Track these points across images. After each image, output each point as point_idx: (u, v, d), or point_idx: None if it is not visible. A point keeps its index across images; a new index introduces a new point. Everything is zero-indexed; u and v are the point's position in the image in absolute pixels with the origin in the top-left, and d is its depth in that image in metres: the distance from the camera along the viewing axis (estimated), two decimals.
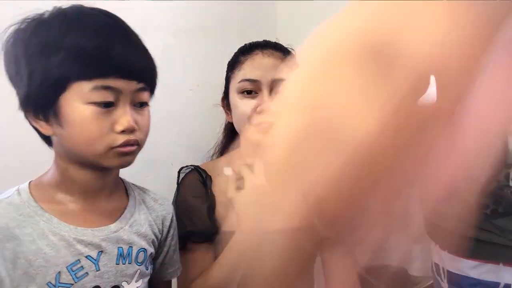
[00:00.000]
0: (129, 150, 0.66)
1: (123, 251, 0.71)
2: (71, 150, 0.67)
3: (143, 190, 0.82)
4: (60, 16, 0.64)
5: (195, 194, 0.91)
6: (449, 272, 0.70)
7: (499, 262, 0.66)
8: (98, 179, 0.71)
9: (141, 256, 0.74)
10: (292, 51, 0.93)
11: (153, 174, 1.23)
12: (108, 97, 0.63)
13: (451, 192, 0.24)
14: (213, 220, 0.92)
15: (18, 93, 0.66)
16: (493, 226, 0.65)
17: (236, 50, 0.96)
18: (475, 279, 0.65)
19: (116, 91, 0.63)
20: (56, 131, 0.65)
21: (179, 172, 0.96)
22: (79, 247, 0.66)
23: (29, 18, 0.65)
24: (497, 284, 0.65)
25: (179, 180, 0.95)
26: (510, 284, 0.65)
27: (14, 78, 0.65)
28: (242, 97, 0.88)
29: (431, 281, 1.49)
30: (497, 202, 0.66)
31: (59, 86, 0.62)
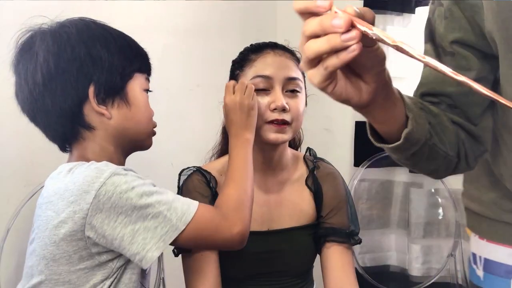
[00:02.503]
0: None
1: None
2: (129, 129, 0.76)
3: None
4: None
5: (202, 194, 0.88)
6: (486, 260, 0.71)
7: None
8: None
9: None
10: (299, 55, 0.93)
11: (153, 174, 1.23)
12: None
13: None
14: None
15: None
16: None
17: (236, 50, 0.95)
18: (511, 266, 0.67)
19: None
20: (117, 113, 0.75)
21: (180, 175, 0.92)
22: None
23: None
24: None
25: (181, 182, 0.92)
26: None
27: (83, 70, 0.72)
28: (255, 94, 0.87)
29: (431, 281, 1.49)
30: None
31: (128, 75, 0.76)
